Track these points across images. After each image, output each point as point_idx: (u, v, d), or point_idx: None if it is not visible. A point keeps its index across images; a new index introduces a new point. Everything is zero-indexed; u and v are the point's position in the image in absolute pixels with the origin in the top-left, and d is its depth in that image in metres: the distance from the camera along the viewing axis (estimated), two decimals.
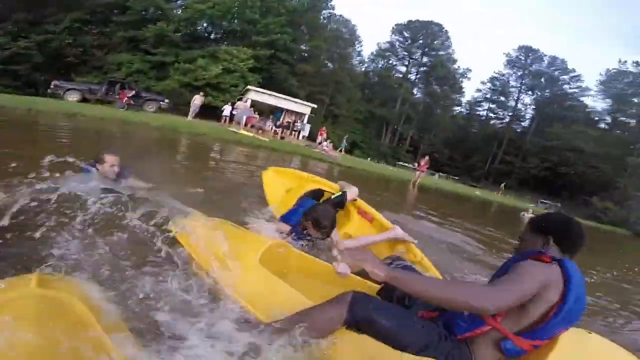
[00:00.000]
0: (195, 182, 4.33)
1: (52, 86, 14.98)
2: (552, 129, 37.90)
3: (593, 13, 77.66)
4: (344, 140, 22.94)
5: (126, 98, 14.62)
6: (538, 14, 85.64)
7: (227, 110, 17.67)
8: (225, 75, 20.96)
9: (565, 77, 43.25)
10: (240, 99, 20.64)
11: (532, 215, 11.00)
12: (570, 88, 42.93)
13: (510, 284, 1.09)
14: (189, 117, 15.27)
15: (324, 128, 21.40)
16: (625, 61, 38.39)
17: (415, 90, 46.21)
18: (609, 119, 39.14)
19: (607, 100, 38.59)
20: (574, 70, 42.64)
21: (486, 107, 48.28)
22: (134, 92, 15.30)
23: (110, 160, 2.63)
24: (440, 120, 43.80)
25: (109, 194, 2.34)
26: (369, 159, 32.83)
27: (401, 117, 42.87)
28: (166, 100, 16.94)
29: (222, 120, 17.41)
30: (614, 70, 38.70)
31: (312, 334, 1.20)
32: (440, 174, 36.95)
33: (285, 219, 2.51)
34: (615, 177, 31.78)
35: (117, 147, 3.30)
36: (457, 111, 50.39)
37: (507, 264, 1.28)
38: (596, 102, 40.68)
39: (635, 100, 35.74)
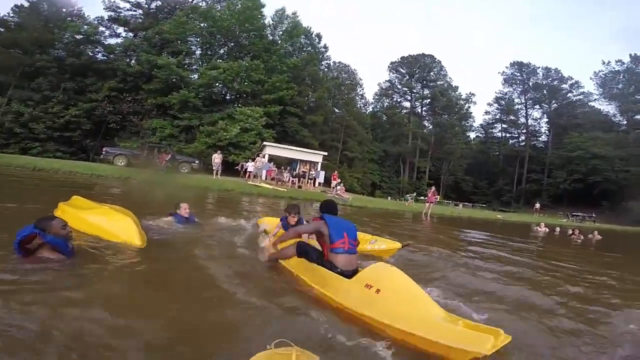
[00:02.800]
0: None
1: (103, 152, 17.83)
2: (569, 139, 38.65)
3: (570, 16, 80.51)
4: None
5: (164, 161, 16.74)
6: (518, 27, 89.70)
7: (250, 166, 19.62)
8: (243, 134, 23.82)
9: (565, 85, 45.28)
10: (258, 155, 22.81)
11: (545, 229, 11.79)
12: (574, 96, 44.73)
13: (303, 226, 3.47)
14: (214, 176, 17.03)
15: (335, 173, 22.99)
16: (609, 62, 40.19)
17: (425, 123, 48.40)
18: (624, 120, 39.71)
19: (613, 101, 39.43)
20: (571, 78, 44.88)
21: (500, 128, 50.04)
22: (170, 155, 17.51)
23: (184, 206, 4.89)
24: (454, 149, 45.15)
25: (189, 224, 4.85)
26: (389, 197, 33.72)
27: (415, 151, 44.41)
28: (197, 162, 19.18)
29: (246, 176, 19.20)
30: (604, 72, 40.23)
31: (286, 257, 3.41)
32: (465, 203, 36.98)
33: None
34: None
35: (176, 201, 5.11)
36: (474, 136, 52.36)
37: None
38: (602, 105, 42.01)
39: (638, 97, 36.48)
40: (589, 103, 43.05)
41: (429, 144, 45.13)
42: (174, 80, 26.01)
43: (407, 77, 49.12)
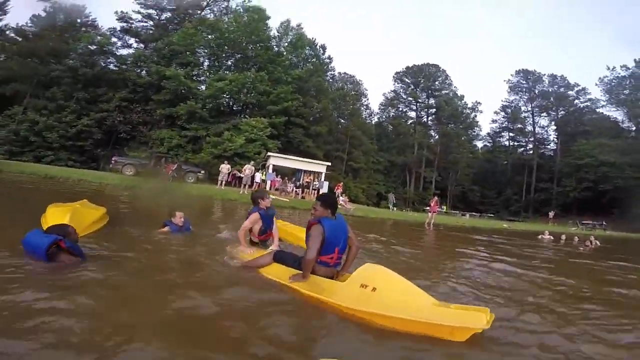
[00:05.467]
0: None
1: (112, 161, 18.44)
2: (577, 147, 38.32)
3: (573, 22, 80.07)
4: (391, 198, 24.52)
5: (171, 171, 17.20)
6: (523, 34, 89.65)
7: (257, 177, 19.94)
8: (248, 145, 24.26)
9: (572, 92, 44.99)
10: (264, 165, 23.16)
11: (550, 237, 11.76)
12: (581, 102, 44.39)
13: (312, 244, 2.85)
14: (218, 186, 17.34)
15: (340, 183, 23.13)
16: (614, 67, 39.78)
17: (431, 132, 48.51)
18: (632, 126, 39.36)
19: (620, 107, 39.04)
20: (577, 85, 44.59)
21: (507, 137, 49.73)
22: (176, 165, 17.99)
23: (179, 215, 4.99)
24: (460, 159, 45.14)
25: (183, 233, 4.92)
26: (394, 208, 33.61)
27: (421, 161, 44.35)
28: (202, 172, 19.52)
29: (253, 186, 19.49)
30: (609, 78, 39.85)
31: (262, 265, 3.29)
32: (473, 213, 36.66)
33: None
34: None
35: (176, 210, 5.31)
36: (481, 145, 52.22)
37: (308, 224, 3.03)
38: (610, 112, 41.51)
39: None
40: (597, 109, 42.68)
41: (435, 154, 45.04)
42: (182, 91, 26.71)
43: (412, 87, 49.43)
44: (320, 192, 23.15)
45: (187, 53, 28.63)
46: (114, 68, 29.56)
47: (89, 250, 3.34)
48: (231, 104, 30.64)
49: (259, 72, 28.81)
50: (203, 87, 28.37)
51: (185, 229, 5.00)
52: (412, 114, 49.83)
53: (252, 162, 19.06)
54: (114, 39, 30.87)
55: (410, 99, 49.54)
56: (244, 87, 27.80)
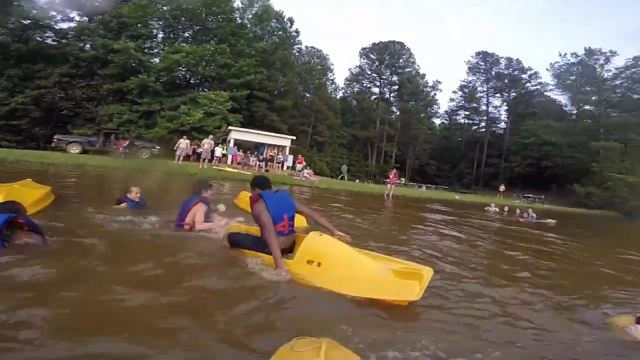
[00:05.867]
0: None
1: (55, 139, 16.98)
2: (524, 127, 41.12)
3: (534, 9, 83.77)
4: (344, 170, 24.65)
5: (122, 147, 16.31)
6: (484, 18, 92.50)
7: (217, 151, 19.37)
8: (207, 119, 23.31)
9: (525, 75, 47.52)
10: (225, 139, 22.58)
11: (496, 209, 13.05)
12: (532, 86, 47.17)
13: (262, 216, 2.82)
14: (176, 161, 16.75)
15: (300, 157, 23.28)
16: (566, 54, 42.38)
17: (393, 108, 49.33)
18: (574, 110, 42.45)
19: (566, 92, 42.01)
20: (530, 69, 47.16)
21: (463, 115, 52.01)
22: (128, 141, 17.02)
23: (135, 190, 4.70)
24: (419, 134, 46.74)
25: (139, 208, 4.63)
26: (357, 180, 34.56)
27: (383, 136, 45.41)
28: (157, 147, 18.71)
29: (214, 161, 19.04)
30: (559, 64, 42.30)
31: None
32: (429, 185, 38.94)
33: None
34: (590, 163, 33.97)
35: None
36: (439, 122, 54.08)
37: (250, 200, 3.06)
38: (557, 95, 44.49)
39: (589, 88, 39.00)
40: (545, 93, 45.56)
41: (395, 129, 46.22)
42: (132, 64, 24.84)
43: (377, 63, 49.42)
44: (285, 165, 23.28)
45: (139, 25, 26.28)
46: (53, 43, 26.42)
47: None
48: (188, 77, 29.02)
49: (219, 44, 27.36)
50: (157, 60, 26.55)
51: (141, 205, 4.76)
52: (376, 90, 50.27)
53: (211, 136, 18.41)
54: (52, 13, 27.14)
55: (375, 75, 49.67)
56: (202, 60, 26.40)
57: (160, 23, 28.78)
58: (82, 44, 26.75)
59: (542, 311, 2.68)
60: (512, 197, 31.33)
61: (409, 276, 2.43)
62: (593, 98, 39.17)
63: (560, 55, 42.69)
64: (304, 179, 19.23)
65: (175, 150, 17.07)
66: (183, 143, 17.27)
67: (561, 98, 43.66)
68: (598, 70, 39.26)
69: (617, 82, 38.37)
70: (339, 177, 23.36)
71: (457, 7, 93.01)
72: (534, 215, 12.97)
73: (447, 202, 18.94)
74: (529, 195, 34.05)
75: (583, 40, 74.47)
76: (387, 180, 17.31)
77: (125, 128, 22.58)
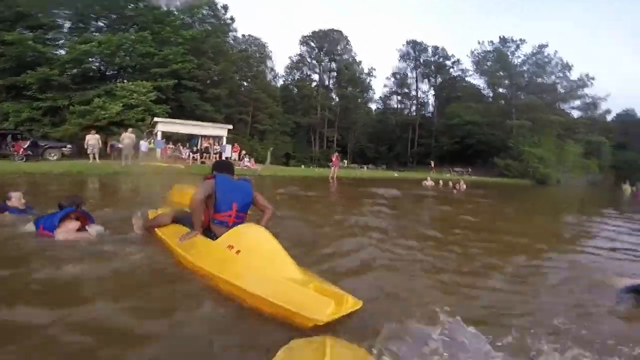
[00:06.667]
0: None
1: None
2: (449, 109, 44.22)
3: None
4: (268, 154, 24.12)
5: (22, 149, 14.32)
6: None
7: (143, 146, 17.67)
8: (128, 112, 21.19)
9: (448, 62, 50.68)
10: (151, 132, 20.91)
11: (432, 183, 14.24)
12: (454, 72, 50.64)
13: (199, 189, 2.62)
14: (91, 160, 15.12)
15: (235, 145, 22.50)
16: (483, 41, 45.45)
17: (332, 95, 49.70)
18: (490, 93, 46.32)
19: (484, 76, 45.50)
20: (453, 56, 50.44)
21: (396, 100, 54.43)
22: (29, 142, 14.97)
23: (15, 196, 3.91)
24: (358, 119, 47.85)
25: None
26: (302, 166, 34.56)
27: (324, 122, 45.75)
28: (68, 146, 16.77)
29: (140, 156, 17.47)
30: (478, 51, 45.56)
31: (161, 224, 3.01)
32: (370, 165, 40.55)
33: None
34: (507, 140, 37.76)
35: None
36: (375, 107, 55.76)
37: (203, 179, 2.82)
38: (475, 80, 48.16)
39: (502, 73, 42.73)
40: (466, 78, 49.11)
41: (335, 115, 46.74)
42: (31, 57, 21.55)
43: (317, 51, 49.27)
44: (223, 156, 22.31)
45: (39, 15, 22.85)
46: None
47: None
48: (103, 68, 26.16)
49: (140, 32, 24.95)
50: (63, 52, 23.43)
51: (29, 212, 3.90)
52: (316, 77, 50.21)
53: (131, 129, 16.55)
54: None
55: (315, 62, 49.48)
56: (119, 50, 23.87)
57: (67, 12, 25.14)
58: None
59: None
60: (444, 172, 33.74)
61: (329, 294, 1.84)
62: (506, 82, 42.90)
63: (479, 43, 45.71)
64: (245, 167, 18.65)
65: (86, 148, 15.27)
66: (92, 139, 15.20)
67: (479, 82, 47.12)
68: (509, 57, 43.00)
69: (525, 68, 42.37)
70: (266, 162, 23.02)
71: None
72: (464, 185, 14.57)
73: (389, 180, 20.05)
74: (458, 169, 36.95)
75: (502, 31, 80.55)
76: (330, 163, 17.66)
77: (25, 127, 19.67)
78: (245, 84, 40.85)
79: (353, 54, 49.91)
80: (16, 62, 21.25)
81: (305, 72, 50.56)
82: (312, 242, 3.81)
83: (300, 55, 49.79)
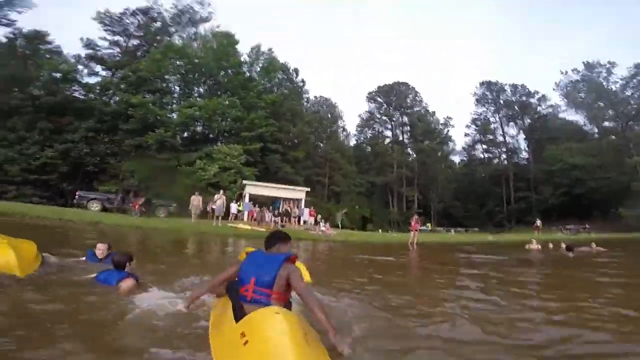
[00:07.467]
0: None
1: (76, 196, 17.26)
2: (547, 153, 39.42)
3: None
4: (339, 215, 23.45)
5: (138, 206, 15.74)
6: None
7: (233, 207, 18.85)
8: (222, 174, 23.29)
9: (533, 100, 46.98)
10: (241, 195, 21.88)
11: (537, 246, 11.18)
12: (543, 109, 46.46)
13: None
14: (192, 220, 15.91)
15: (312, 209, 22.18)
16: (567, 71, 41.85)
17: (409, 150, 48.96)
18: (595, 129, 40.98)
19: (580, 110, 41.06)
20: (537, 92, 46.75)
21: (481, 149, 50.96)
22: (143, 199, 16.54)
23: (100, 247, 4.51)
24: (439, 174, 45.62)
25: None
26: (379, 230, 32.71)
27: (401, 180, 44.30)
28: (174, 205, 18.34)
29: (230, 217, 18.12)
30: (564, 82, 41.83)
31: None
32: (458, 228, 36.37)
33: None
34: (630, 182, 31.50)
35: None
36: (458, 160, 53.33)
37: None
38: (571, 116, 43.26)
39: (601, 104, 37.92)
40: (559, 115, 44.53)
41: (413, 171, 45.41)
42: (152, 120, 25.66)
43: (385, 106, 50.60)
44: (301, 220, 21.98)
45: (157, 80, 27.84)
46: (80, 96, 28.23)
47: None
48: (206, 132, 29.85)
49: (231, 97, 28.37)
50: (175, 115, 27.57)
51: (107, 262, 4.17)
52: (389, 133, 50.81)
53: (222, 191, 17.81)
54: (79, 67, 29.69)
55: (385, 118, 50.56)
56: (215, 114, 27.12)
57: (176, 77, 30.18)
58: (106, 98, 28.34)
59: None
60: (552, 231, 28.49)
61: None
62: (610, 112, 37.74)
63: (562, 73, 42.25)
64: (320, 233, 18.14)
65: (190, 208, 16.37)
66: (195, 200, 16.41)
67: (577, 118, 42.65)
68: (604, 83, 38.27)
69: (628, 93, 37.08)
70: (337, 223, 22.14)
71: (448, 40, 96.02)
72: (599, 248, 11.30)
73: (480, 245, 16.79)
74: (570, 226, 30.99)
75: (577, 52, 74.01)
76: (410, 227, 15.94)
77: (145, 184, 22.37)
78: (321, 145, 42.40)
79: (424, 105, 50.11)
80: (142, 124, 25.36)
81: (377, 129, 51.48)
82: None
83: (369, 112, 51.51)
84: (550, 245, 13.44)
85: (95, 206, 16.60)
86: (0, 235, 4.03)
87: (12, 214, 11.79)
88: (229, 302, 2.54)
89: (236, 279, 2.56)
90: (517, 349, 2.39)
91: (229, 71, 30.82)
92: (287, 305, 2.42)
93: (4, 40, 27.80)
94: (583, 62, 40.58)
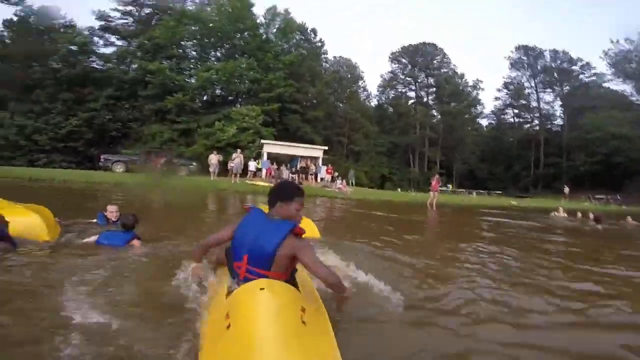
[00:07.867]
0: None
1: (101, 159, 18.47)
2: (586, 120, 37.36)
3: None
4: (350, 175, 23.61)
5: (159, 165, 16.79)
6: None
7: (252, 165, 19.58)
8: (241, 134, 23.91)
9: (575, 67, 44.10)
10: (259, 153, 22.61)
11: (564, 215, 10.76)
12: (586, 77, 43.61)
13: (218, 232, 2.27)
14: (212, 177, 16.86)
15: (329, 166, 22.50)
16: (618, 40, 38.68)
17: (433, 112, 47.51)
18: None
19: (628, 80, 38.26)
20: (581, 59, 43.56)
21: (511, 114, 48.86)
22: (164, 159, 17.54)
23: (110, 209, 4.56)
24: (465, 136, 44.24)
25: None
26: (399, 189, 32.89)
27: (424, 141, 43.52)
28: (194, 164, 19.35)
29: (248, 175, 18.94)
30: (614, 51, 38.78)
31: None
32: (480, 191, 35.83)
33: None
34: None
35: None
36: (486, 123, 51.43)
37: None
38: (618, 85, 40.51)
39: None
40: (603, 84, 41.81)
41: (437, 133, 44.34)
42: (170, 85, 26.40)
43: (410, 67, 48.47)
44: (318, 177, 22.64)
45: (172, 46, 28.17)
46: (98, 67, 29.27)
47: None
48: (224, 94, 30.31)
49: (248, 59, 28.27)
50: (193, 80, 28.04)
51: (117, 223, 4.22)
52: (412, 94, 49.04)
53: (239, 150, 18.67)
54: (95, 38, 30.44)
55: (409, 79, 48.64)
56: (232, 77, 27.32)
57: (192, 43, 30.50)
58: (124, 67, 29.29)
59: None
60: (580, 199, 27.65)
61: None
62: None
63: (612, 42, 39.00)
64: (337, 190, 18.55)
65: (209, 166, 17.36)
66: (213, 159, 17.52)
67: (624, 87, 39.90)
68: None
69: None
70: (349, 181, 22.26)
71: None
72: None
73: (503, 209, 16.59)
74: (601, 196, 29.81)
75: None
76: (430, 187, 15.74)
77: (167, 146, 23.78)
78: (340, 105, 41.91)
79: (452, 66, 47.76)
80: (161, 89, 26.20)
81: (399, 90, 49.86)
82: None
83: (392, 72, 49.49)
84: (579, 215, 12.58)
85: (119, 168, 17.74)
86: (10, 203, 3.90)
87: (43, 179, 12.87)
88: (227, 274, 2.17)
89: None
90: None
91: (245, 34, 30.51)
92: (290, 277, 2.01)
93: (16, 18, 28.73)
94: (639, 32, 37.50)
